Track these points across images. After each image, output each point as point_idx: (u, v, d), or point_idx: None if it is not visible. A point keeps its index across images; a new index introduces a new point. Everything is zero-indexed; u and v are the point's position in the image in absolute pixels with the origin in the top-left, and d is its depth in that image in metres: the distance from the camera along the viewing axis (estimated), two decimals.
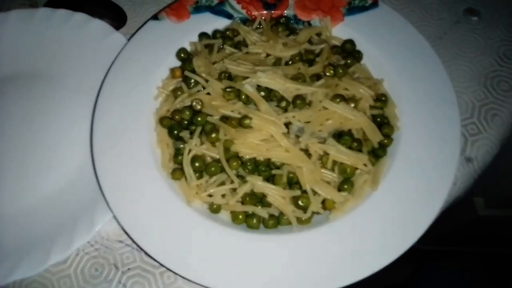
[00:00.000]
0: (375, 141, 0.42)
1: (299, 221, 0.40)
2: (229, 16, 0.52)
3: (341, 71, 0.45)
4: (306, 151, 0.41)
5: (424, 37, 0.50)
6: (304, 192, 0.40)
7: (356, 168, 0.41)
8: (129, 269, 0.42)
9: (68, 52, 0.54)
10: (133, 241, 0.39)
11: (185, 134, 0.44)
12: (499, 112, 0.49)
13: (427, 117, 0.43)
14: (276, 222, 0.40)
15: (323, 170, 0.41)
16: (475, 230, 0.91)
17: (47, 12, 0.56)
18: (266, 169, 0.41)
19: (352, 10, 0.51)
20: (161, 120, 0.45)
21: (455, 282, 0.75)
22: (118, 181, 0.42)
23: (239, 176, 0.41)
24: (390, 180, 0.41)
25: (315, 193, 0.40)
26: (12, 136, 0.50)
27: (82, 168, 0.47)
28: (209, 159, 0.43)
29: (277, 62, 0.47)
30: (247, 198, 0.41)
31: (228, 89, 0.44)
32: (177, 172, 0.42)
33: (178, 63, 0.49)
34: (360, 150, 0.42)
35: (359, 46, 0.49)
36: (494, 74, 0.51)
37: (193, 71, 0.47)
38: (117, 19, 0.59)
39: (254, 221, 0.40)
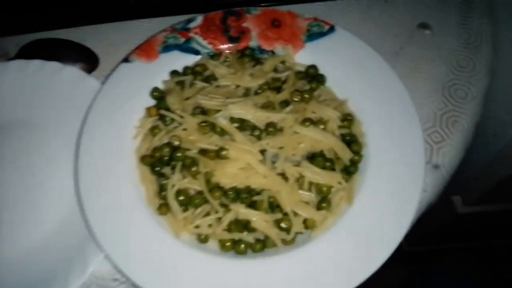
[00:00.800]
0: (346, 159, 0.45)
1: (284, 242, 0.42)
2: (196, 52, 0.55)
3: (307, 95, 0.48)
4: (283, 175, 0.44)
5: (382, 53, 0.53)
6: (286, 214, 0.43)
7: (332, 187, 0.44)
8: None
9: (45, 100, 0.55)
10: (127, 278, 0.41)
11: (166, 170, 0.46)
12: (459, 119, 0.52)
13: (390, 131, 0.46)
14: (262, 245, 0.42)
15: (300, 192, 0.43)
16: (458, 227, 0.95)
17: (21, 63, 0.57)
18: (247, 196, 0.43)
19: (311, 36, 0.54)
20: (142, 159, 0.47)
21: (451, 280, 0.78)
22: (107, 221, 0.43)
23: (222, 205, 0.43)
24: (364, 194, 0.43)
25: (296, 214, 0.43)
26: None
27: (70, 211, 0.48)
28: (192, 192, 0.45)
29: (247, 92, 0.50)
30: (233, 226, 0.43)
31: (203, 124, 0.46)
32: (163, 207, 0.44)
33: (153, 102, 0.51)
34: (333, 169, 0.45)
35: (321, 70, 0.52)
36: (451, 83, 0.55)
37: (168, 109, 0.49)
38: (90, 62, 0.60)
39: (242, 246, 0.42)
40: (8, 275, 0.44)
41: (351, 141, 0.46)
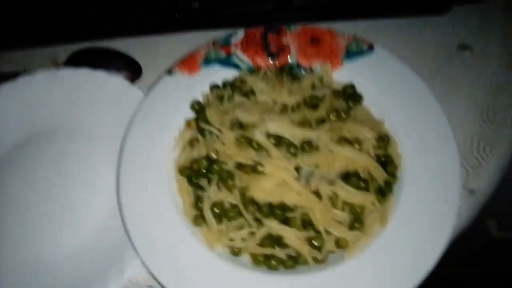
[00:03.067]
0: (380, 180, 0.45)
1: (316, 260, 0.43)
2: (236, 66, 0.56)
3: (343, 115, 0.48)
4: (317, 193, 0.44)
5: (420, 73, 0.53)
6: (318, 232, 0.43)
7: (365, 207, 0.44)
8: None
9: (90, 108, 0.58)
10: (162, 286, 0.42)
11: (203, 182, 0.48)
12: (497, 144, 0.52)
13: (427, 154, 0.46)
14: (294, 262, 0.43)
15: (334, 211, 0.44)
16: (491, 251, 0.93)
17: (70, 71, 0.60)
18: (281, 212, 0.44)
19: (350, 55, 0.54)
20: (181, 170, 0.49)
21: None
22: (144, 228, 0.45)
23: (256, 219, 0.45)
24: (398, 216, 0.44)
25: (328, 232, 0.43)
26: (42, 189, 0.53)
27: (109, 216, 0.50)
28: (227, 205, 0.46)
29: (284, 108, 0.51)
30: (266, 241, 0.44)
31: (240, 138, 0.47)
32: (199, 219, 0.46)
33: (193, 114, 0.53)
34: (367, 189, 0.45)
35: (359, 89, 0.52)
36: (489, 107, 0.54)
37: (207, 122, 0.50)
38: (133, 72, 0.63)
39: (273, 262, 0.43)
40: (49, 277, 0.47)
41: (387, 162, 0.47)
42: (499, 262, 0.99)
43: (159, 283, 0.43)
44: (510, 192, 0.71)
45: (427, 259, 0.41)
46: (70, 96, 0.60)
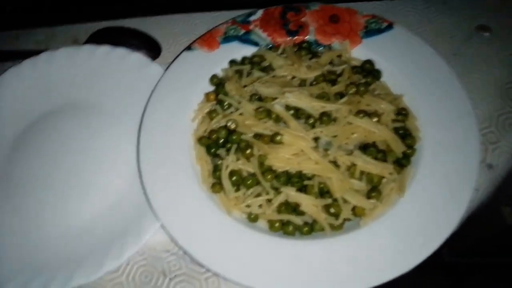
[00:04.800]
0: (398, 151, 0.46)
1: (332, 227, 0.43)
2: (255, 43, 0.57)
3: (362, 88, 0.49)
4: (335, 163, 0.45)
5: (439, 53, 0.54)
6: (335, 200, 0.44)
7: (383, 177, 0.45)
8: (176, 276, 0.45)
9: (111, 84, 0.59)
10: (180, 247, 0.43)
11: (221, 151, 0.48)
12: None
13: (446, 128, 0.46)
14: (310, 229, 0.44)
15: (351, 180, 0.44)
16: (505, 240, 0.91)
17: (91, 48, 0.62)
18: (298, 180, 0.45)
19: (369, 33, 0.55)
20: (199, 140, 0.49)
21: None
22: (164, 195, 0.45)
23: (273, 188, 0.45)
24: (415, 187, 0.44)
25: (345, 201, 0.44)
26: (64, 161, 0.55)
27: (128, 186, 0.51)
28: (245, 173, 0.47)
29: (302, 83, 0.51)
30: (282, 208, 0.44)
31: (259, 109, 0.48)
32: (217, 186, 0.46)
33: (211, 88, 0.54)
34: (385, 161, 0.45)
35: (377, 66, 0.53)
36: (509, 86, 0.54)
37: (226, 95, 0.51)
38: (153, 50, 0.64)
39: (290, 228, 0.44)
40: (74, 239, 0.48)
41: (405, 135, 0.47)
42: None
43: (177, 245, 0.43)
44: None
45: (442, 229, 0.41)
46: (92, 72, 0.61)
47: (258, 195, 0.45)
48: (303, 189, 0.45)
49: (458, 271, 1.09)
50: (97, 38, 0.66)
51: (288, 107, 0.48)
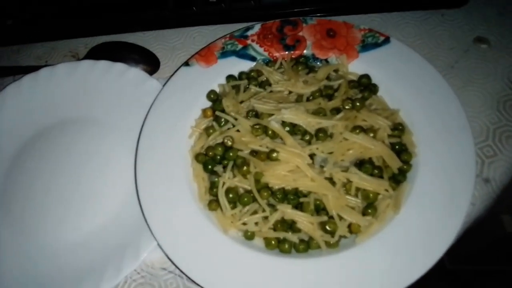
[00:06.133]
0: (394, 167, 0.46)
1: (328, 244, 0.43)
2: (252, 58, 0.57)
3: (358, 104, 0.49)
4: (331, 180, 0.45)
5: (436, 66, 0.54)
6: (331, 217, 0.44)
7: (379, 194, 0.45)
8: None
9: (110, 99, 0.60)
10: (176, 267, 0.43)
11: (218, 168, 0.48)
12: None
13: (442, 143, 0.46)
14: (306, 246, 0.44)
15: (347, 197, 0.44)
16: (505, 247, 0.91)
17: (90, 63, 0.62)
18: (294, 197, 0.45)
19: (366, 47, 0.55)
20: (196, 157, 0.49)
21: None
22: (161, 213, 0.46)
23: (269, 205, 0.45)
24: (411, 203, 0.44)
25: (341, 218, 0.44)
26: (63, 175, 0.55)
27: (126, 201, 0.51)
28: (241, 191, 0.47)
29: (299, 98, 0.52)
30: (278, 225, 0.44)
31: (255, 126, 0.48)
32: (213, 204, 0.46)
33: (209, 104, 0.54)
34: (381, 177, 0.45)
35: (374, 80, 0.53)
36: (506, 98, 0.54)
37: (223, 111, 0.51)
38: (151, 65, 0.65)
39: (286, 246, 0.44)
40: (70, 256, 0.48)
41: (401, 150, 0.47)
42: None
43: (174, 264, 0.43)
44: None
45: (438, 247, 0.41)
46: (90, 87, 0.61)
47: (255, 212, 0.45)
48: (299, 206, 0.45)
49: (461, 278, 1.09)
50: (96, 53, 0.67)
51: (284, 123, 0.48)
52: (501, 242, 0.86)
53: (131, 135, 0.55)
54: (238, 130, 0.49)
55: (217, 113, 0.51)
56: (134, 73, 0.60)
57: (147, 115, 0.53)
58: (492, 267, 1.02)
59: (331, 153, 0.46)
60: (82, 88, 0.62)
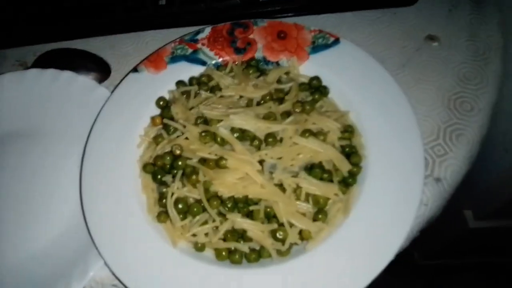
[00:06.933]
0: (344, 170, 0.45)
1: (279, 253, 0.42)
2: (203, 63, 0.56)
3: (308, 107, 0.48)
4: (281, 186, 0.44)
5: (389, 64, 0.54)
6: (282, 225, 0.43)
7: (328, 198, 0.44)
8: None
9: (56, 108, 0.58)
10: (125, 286, 0.42)
11: (167, 178, 0.47)
12: (464, 132, 0.51)
13: (391, 144, 0.46)
14: (257, 255, 0.43)
15: (297, 202, 0.44)
16: (470, 242, 0.93)
17: (36, 72, 0.60)
18: (244, 205, 0.44)
19: (316, 48, 0.54)
20: (145, 167, 0.48)
21: None
22: (107, 228, 0.44)
23: (220, 214, 0.44)
24: (361, 206, 0.43)
25: (291, 225, 0.43)
26: (5, 190, 0.53)
27: (74, 216, 0.49)
28: (191, 200, 0.46)
29: (250, 103, 0.51)
30: (229, 235, 0.43)
31: (204, 133, 0.47)
32: (162, 215, 0.45)
33: (158, 111, 0.53)
34: (331, 180, 0.45)
35: (325, 81, 0.52)
36: (456, 96, 0.54)
37: (172, 118, 0.50)
38: (102, 71, 0.63)
39: (237, 256, 0.43)
40: (12, 278, 0.46)
41: (351, 153, 0.46)
42: (477, 253, 0.99)
43: (121, 283, 0.42)
44: (484, 181, 0.71)
45: (389, 248, 0.40)
46: (37, 97, 0.59)
47: (205, 223, 0.44)
48: (249, 214, 0.44)
49: (431, 273, 1.11)
50: (44, 61, 0.64)
51: (233, 129, 0.47)
52: (465, 237, 0.87)
53: (78, 146, 0.53)
54: (186, 138, 0.48)
55: (165, 120, 0.49)
56: (82, 81, 0.58)
57: (93, 124, 0.51)
58: (458, 261, 1.04)
59: (280, 158, 0.45)
60: (28, 98, 0.59)
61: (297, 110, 0.49)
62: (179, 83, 0.54)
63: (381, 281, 0.41)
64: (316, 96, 0.50)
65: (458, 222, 0.82)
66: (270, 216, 0.44)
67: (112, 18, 0.65)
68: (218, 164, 0.45)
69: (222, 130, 0.46)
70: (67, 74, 0.59)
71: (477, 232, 0.82)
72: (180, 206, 0.45)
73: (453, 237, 0.88)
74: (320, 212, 0.43)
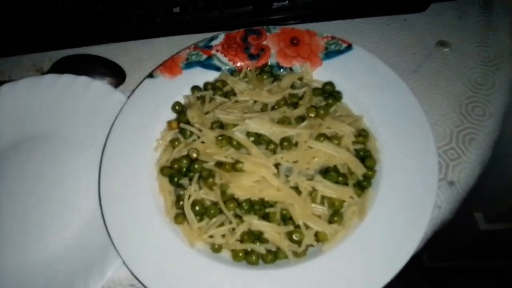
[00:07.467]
0: (359, 174, 0.46)
1: (295, 254, 0.43)
2: (217, 68, 0.57)
3: (322, 111, 0.49)
4: (296, 189, 0.45)
5: (400, 71, 0.54)
6: (297, 227, 0.44)
7: (344, 201, 0.45)
8: None
9: (73, 113, 0.59)
10: (143, 285, 0.42)
11: (184, 181, 0.48)
12: (476, 136, 0.52)
13: (405, 148, 0.47)
14: (274, 257, 0.43)
15: (313, 205, 0.44)
16: (481, 244, 0.93)
17: (53, 78, 0.61)
18: (260, 208, 0.45)
19: (329, 54, 0.55)
20: (162, 170, 0.49)
21: None
22: (126, 229, 0.45)
23: (236, 216, 0.45)
24: (377, 209, 0.44)
25: (307, 227, 0.43)
26: (26, 194, 0.54)
27: (92, 218, 0.50)
28: (208, 203, 0.46)
29: (264, 107, 0.51)
30: (245, 236, 0.44)
31: (220, 137, 0.48)
32: (180, 217, 0.46)
33: (174, 116, 0.54)
34: (346, 184, 0.45)
35: (338, 87, 0.53)
36: (468, 101, 0.55)
37: (188, 122, 0.51)
38: (117, 77, 0.64)
39: (253, 257, 0.43)
40: (34, 277, 0.47)
41: (365, 157, 0.47)
42: (488, 255, 0.99)
43: (140, 282, 0.43)
44: (495, 184, 0.71)
45: (404, 251, 0.41)
46: (54, 102, 0.60)
47: (221, 224, 0.45)
48: (265, 216, 0.45)
49: (439, 275, 1.11)
50: (60, 67, 0.66)
51: (249, 134, 0.48)
52: (475, 239, 0.87)
53: (95, 150, 0.54)
54: (203, 142, 0.49)
55: (182, 125, 0.50)
56: (98, 86, 0.59)
57: (110, 129, 0.52)
58: (468, 263, 1.04)
59: (296, 162, 0.46)
60: (44, 103, 0.60)
61: (311, 114, 0.49)
62: (194, 88, 0.55)
63: (388, 284, 0.41)
64: (330, 101, 0.51)
65: (469, 224, 0.82)
66: (286, 218, 0.44)
67: (126, 25, 0.66)
68: (234, 167, 0.46)
69: (238, 134, 0.47)
70: (83, 79, 0.60)
71: (487, 234, 0.82)
72: (197, 208, 0.45)
73: (464, 239, 0.88)
74: (335, 214, 0.44)
